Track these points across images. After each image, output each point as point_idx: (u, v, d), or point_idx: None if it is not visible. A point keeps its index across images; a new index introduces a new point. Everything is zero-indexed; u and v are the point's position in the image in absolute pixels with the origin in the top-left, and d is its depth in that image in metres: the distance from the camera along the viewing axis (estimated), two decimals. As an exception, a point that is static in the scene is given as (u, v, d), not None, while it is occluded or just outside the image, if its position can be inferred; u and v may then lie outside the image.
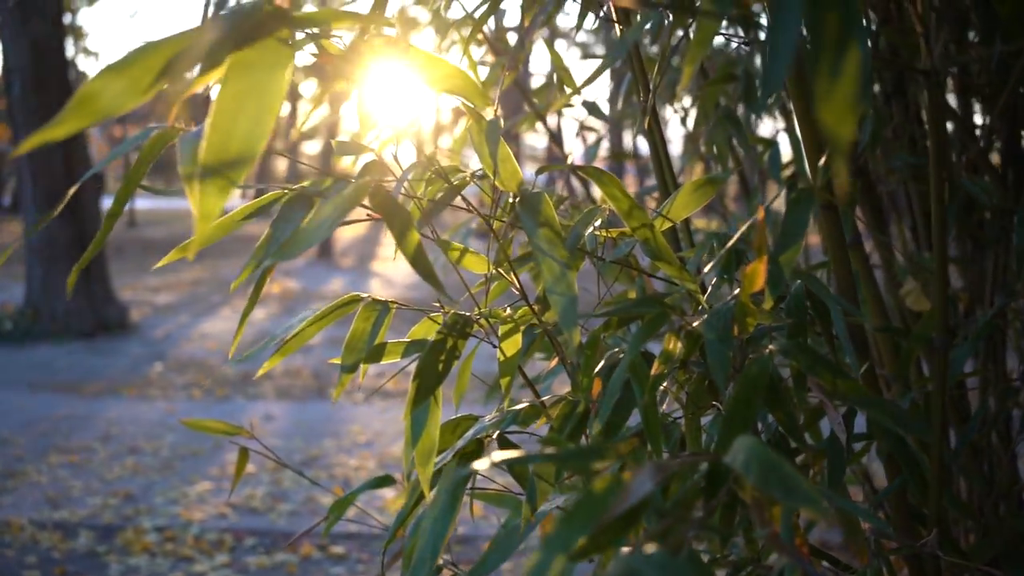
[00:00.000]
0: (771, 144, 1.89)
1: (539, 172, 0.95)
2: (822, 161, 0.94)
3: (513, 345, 1.02)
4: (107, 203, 0.89)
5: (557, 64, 1.76)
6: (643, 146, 3.66)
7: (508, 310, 1.07)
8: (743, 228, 0.97)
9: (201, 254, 18.63)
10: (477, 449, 0.99)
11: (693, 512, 0.84)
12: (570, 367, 1.35)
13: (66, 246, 9.84)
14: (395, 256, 1.09)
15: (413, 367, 1.06)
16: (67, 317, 9.76)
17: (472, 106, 0.91)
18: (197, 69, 0.59)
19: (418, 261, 0.74)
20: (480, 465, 0.66)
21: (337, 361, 0.97)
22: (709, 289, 1.24)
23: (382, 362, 1.08)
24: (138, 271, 15.42)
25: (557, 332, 1.27)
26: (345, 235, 19.59)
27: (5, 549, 4.30)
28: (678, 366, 1.08)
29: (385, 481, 1.60)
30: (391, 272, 16.96)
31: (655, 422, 0.99)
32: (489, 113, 0.88)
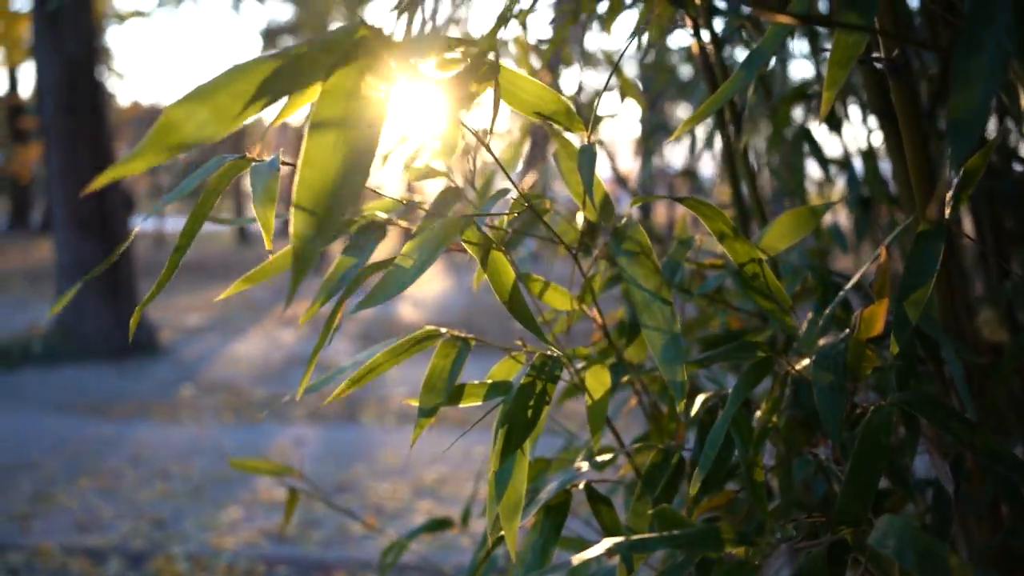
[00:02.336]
0: (846, 166, 1.78)
1: (634, 203, 0.86)
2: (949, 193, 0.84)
3: (600, 386, 0.93)
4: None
5: (623, 81, 1.67)
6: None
7: (591, 349, 0.98)
8: (865, 267, 0.87)
9: (227, 276, 18.65)
10: (565, 501, 0.90)
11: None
12: (648, 409, 1.26)
13: (95, 267, 9.82)
14: (475, 287, 1.01)
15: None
16: (96, 338, 9.74)
17: (559, 129, 0.82)
18: (284, 97, 0.51)
19: (514, 302, 0.65)
20: (598, 550, 0.57)
21: (414, 402, 0.88)
22: (804, 326, 1.15)
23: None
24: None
25: (638, 370, 1.17)
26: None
27: (35, 576, 4.24)
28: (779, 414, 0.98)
29: (442, 524, 1.51)
30: (419, 294, 16.92)
31: (760, 481, 0.89)
32: (582, 138, 0.79)
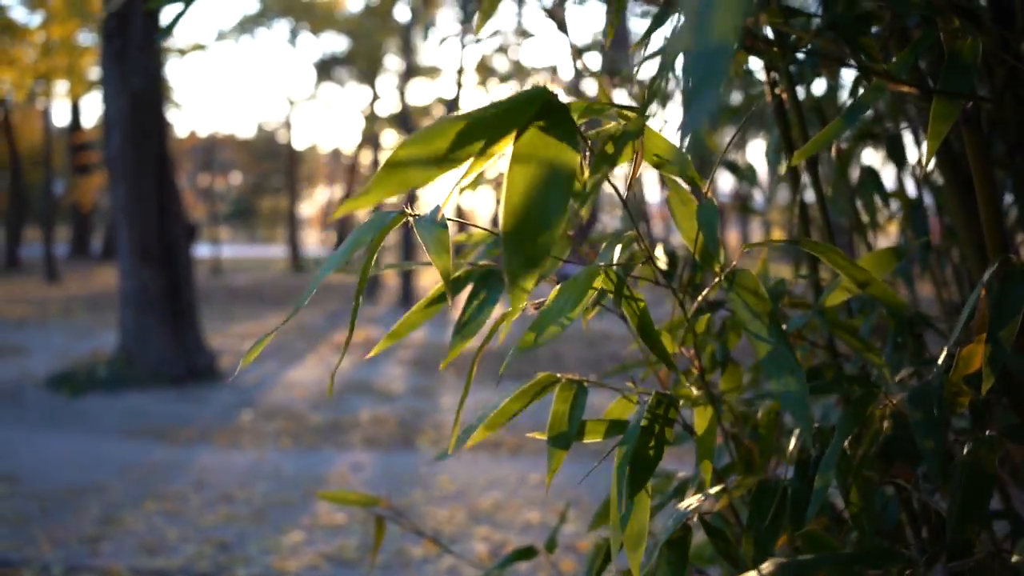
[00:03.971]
0: (915, 204, 1.81)
1: (745, 248, 0.91)
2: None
3: (704, 421, 0.98)
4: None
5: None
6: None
7: (692, 387, 1.03)
8: (968, 308, 0.91)
9: (284, 302, 18.96)
10: (685, 535, 0.94)
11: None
12: (731, 441, 1.30)
13: (159, 294, 10.05)
14: (585, 324, 1.07)
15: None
16: (159, 364, 9.94)
17: (678, 181, 0.88)
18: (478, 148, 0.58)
19: (651, 339, 0.70)
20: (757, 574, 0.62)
21: (542, 436, 0.93)
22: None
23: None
24: (225, 318, 15.70)
25: (729, 406, 1.22)
26: (424, 282, 19.75)
27: (106, 597, 4.34)
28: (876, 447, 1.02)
29: (528, 553, 1.56)
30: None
31: (861, 511, 0.94)
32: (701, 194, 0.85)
